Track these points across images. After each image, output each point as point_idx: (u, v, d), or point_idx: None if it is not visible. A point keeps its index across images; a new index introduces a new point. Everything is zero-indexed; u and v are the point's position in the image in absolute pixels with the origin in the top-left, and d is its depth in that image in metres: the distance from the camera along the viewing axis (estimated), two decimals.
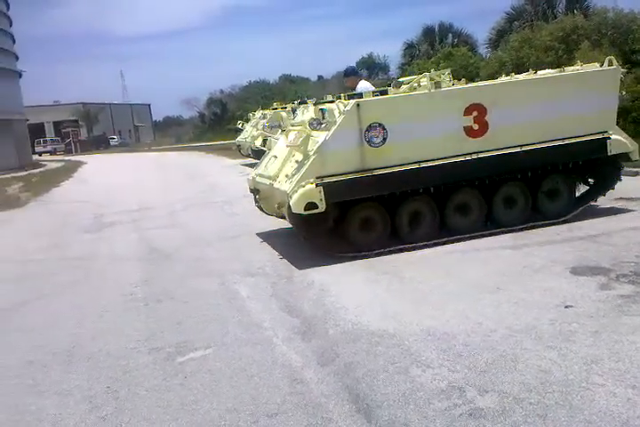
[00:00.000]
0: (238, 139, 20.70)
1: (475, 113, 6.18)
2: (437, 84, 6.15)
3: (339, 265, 5.87)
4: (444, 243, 6.16)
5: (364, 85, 7.11)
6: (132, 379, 3.66)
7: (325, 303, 4.78)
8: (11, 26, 32.26)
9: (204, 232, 8.02)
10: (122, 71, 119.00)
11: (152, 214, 10.35)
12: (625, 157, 6.78)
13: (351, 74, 7.64)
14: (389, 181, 6.00)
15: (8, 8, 32.01)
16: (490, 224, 6.58)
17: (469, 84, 6.68)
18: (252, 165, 18.98)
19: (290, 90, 53.71)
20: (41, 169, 26.69)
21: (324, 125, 5.95)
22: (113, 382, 3.64)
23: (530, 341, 3.63)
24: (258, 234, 7.65)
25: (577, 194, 7.05)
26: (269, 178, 6.58)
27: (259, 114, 19.79)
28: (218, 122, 48.49)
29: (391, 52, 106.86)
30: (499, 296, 4.49)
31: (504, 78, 7.16)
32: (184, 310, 4.96)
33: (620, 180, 6.93)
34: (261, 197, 7.12)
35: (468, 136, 6.19)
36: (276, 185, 6.33)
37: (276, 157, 6.79)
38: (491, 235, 6.34)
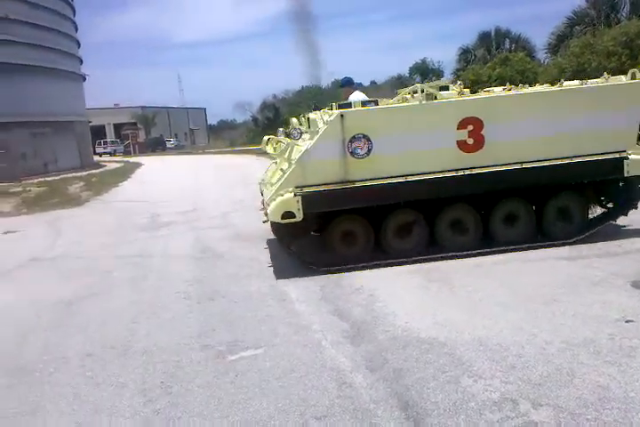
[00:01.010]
0: None
1: (470, 127, 5.89)
2: (429, 96, 5.92)
3: (387, 270, 5.85)
4: (494, 252, 6.03)
5: (356, 96, 6.90)
6: (185, 375, 3.75)
7: (374, 309, 4.77)
8: (76, 31, 33.71)
9: (257, 233, 8.13)
10: (179, 76, 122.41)
11: (206, 215, 10.58)
12: None
13: (346, 85, 7.57)
14: (373, 194, 5.88)
15: (74, 14, 33.48)
16: (490, 241, 6.26)
17: (465, 97, 6.20)
18: None
19: (341, 95, 53.81)
20: (101, 169, 27.70)
21: (305, 135, 5.98)
22: (167, 377, 3.74)
23: (587, 355, 3.51)
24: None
25: (593, 215, 6.66)
26: (266, 184, 6.61)
27: None
28: (270, 126, 49.09)
29: (446, 57, 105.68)
30: (554, 308, 4.36)
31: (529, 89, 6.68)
32: (235, 309, 5.05)
33: (637, 205, 6.43)
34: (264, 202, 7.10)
35: (462, 151, 5.93)
36: (265, 192, 6.38)
37: (276, 163, 6.83)
38: (539, 247, 6.15)
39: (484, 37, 33.26)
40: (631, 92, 6.11)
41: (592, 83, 6.31)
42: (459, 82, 7.24)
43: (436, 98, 5.93)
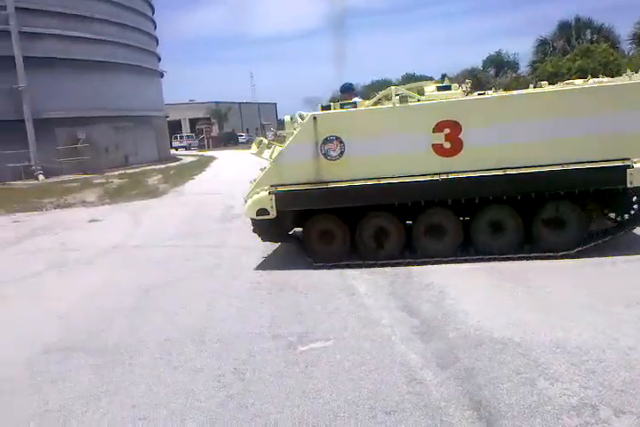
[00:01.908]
0: None
1: (446, 130, 5.66)
2: (403, 99, 5.78)
3: (459, 267, 5.75)
4: (578, 254, 5.77)
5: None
6: (257, 363, 3.85)
7: (445, 306, 4.70)
8: (155, 29, 35.08)
9: None
10: (251, 72, 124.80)
11: None
12: None
13: (346, 90, 7.56)
14: (345, 195, 5.88)
15: (153, 12, 34.83)
16: (471, 249, 5.99)
17: (443, 100, 5.86)
18: None
19: (412, 89, 53.05)
20: (177, 162, 28.74)
21: (281, 136, 5.92)
22: (239, 363, 3.85)
23: None
24: None
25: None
26: (251, 183, 6.55)
27: None
28: None
29: (521, 48, 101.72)
30: (638, 312, 4.14)
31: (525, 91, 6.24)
32: (305, 301, 5.12)
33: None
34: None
35: (438, 154, 5.71)
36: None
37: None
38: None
39: (564, 28, 31.82)
40: (637, 93, 5.50)
41: (596, 82, 5.86)
42: (467, 80, 6.94)
43: (419, 100, 5.89)
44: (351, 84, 7.45)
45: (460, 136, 5.67)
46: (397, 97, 5.81)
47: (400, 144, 5.79)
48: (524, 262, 5.71)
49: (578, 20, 31.57)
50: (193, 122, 59.49)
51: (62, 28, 23.45)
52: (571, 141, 5.50)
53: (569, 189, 5.67)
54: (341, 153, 5.88)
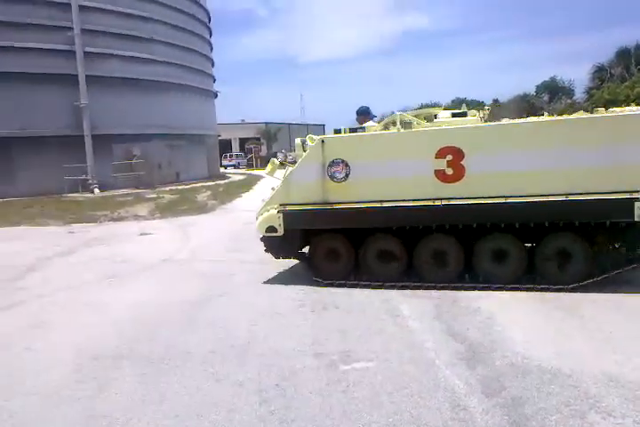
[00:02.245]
0: None
1: (449, 156, 5.70)
2: (407, 125, 5.94)
3: (508, 294, 5.62)
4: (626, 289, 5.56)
5: (368, 124, 6.94)
6: (299, 380, 3.85)
7: (492, 333, 4.59)
8: (211, 51, 36.26)
9: None
10: (301, 94, 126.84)
11: None
12: None
13: (362, 114, 7.55)
14: (348, 217, 6.09)
15: (210, 35, 36.06)
16: (471, 277, 5.95)
17: (446, 126, 5.94)
18: None
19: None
20: (226, 180, 29.31)
21: (289, 158, 6.37)
22: (281, 380, 3.86)
23: None
24: None
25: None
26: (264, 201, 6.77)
27: None
28: None
29: (576, 75, 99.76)
30: None
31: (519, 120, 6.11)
32: (348, 320, 5.10)
33: None
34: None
35: (440, 180, 5.76)
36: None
37: None
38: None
39: (623, 54, 31.15)
40: None
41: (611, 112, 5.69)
42: (487, 107, 6.78)
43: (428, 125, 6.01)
44: (367, 107, 7.57)
45: (462, 162, 5.71)
46: (400, 122, 5.97)
47: (403, 169, 5.91)
48: (577, 292, 5.54)
49: (638, 46, 30.88)
50: (243, 141, 60.72)
51: (123, 49, 24.55)
52: (575, 171, 5.40)
53: (572, 221, 5.52)
54: (347, 176, 6.08)
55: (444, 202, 5.77)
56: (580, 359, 3.88)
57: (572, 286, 5.61)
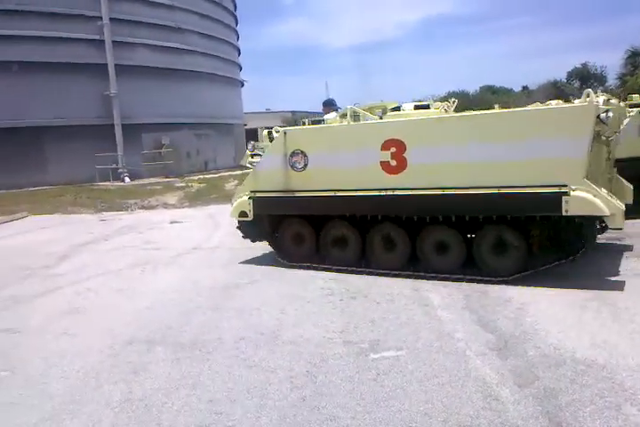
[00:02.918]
0: None
1: (393, 149, 5.89)
2: (356, 118, 6.33)
3: (539, 285, 5.55)
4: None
5: (332, 116, 7.26)
6: (329, 367, 3.88)
7: (523, 323, 4.55)
8: (238, 40, 36.28)
9: None
10: (327, 82, 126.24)
11: None
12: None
13: (327, 105, 7.84)
14: (307, 204, 6.53)
15: (237, 24, 36.06)
16: (415, 265, 6.15)
17: (390, 120, 6.24)
18: None
19: (490, 100, 51.91)
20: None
21: (257, 149, 7.12)
22: (312, 367, 3.89)
23: None
24: None
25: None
26: None
27: None
28: None
29: (608, 61, 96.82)
30: None
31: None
32: (376, 309, 5.11)
33: (586, 248, 5.45)
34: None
35: (385, 171, 5.96)
36: None
37: None
38: None
39: None
40: (577, 117, 5.14)
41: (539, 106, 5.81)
42: (452, 100, 6.93)
43: (381, 118, 6.36)
44: (332, 99, 8.03)
45: (404, 155, 5.87)
46: (350, 116, 6.39)
47: (353, 160, 6.18)
48: (612, 282, 5.45)
49: None
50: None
51: (152, 39, 24.74)
52: (506, 165, 5.40)
53: (504, 214, 5.55)
54: (305, 165, 6.49)
55: (389, 192, 5.98)
56: (615, 351, 3.82)
57: (511, 277, 5.64)
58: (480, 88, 58.39)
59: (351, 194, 6.20)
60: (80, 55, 22.24)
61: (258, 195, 6.84)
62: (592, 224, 5.33)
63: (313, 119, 6.82)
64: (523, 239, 5.66)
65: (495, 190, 5.42)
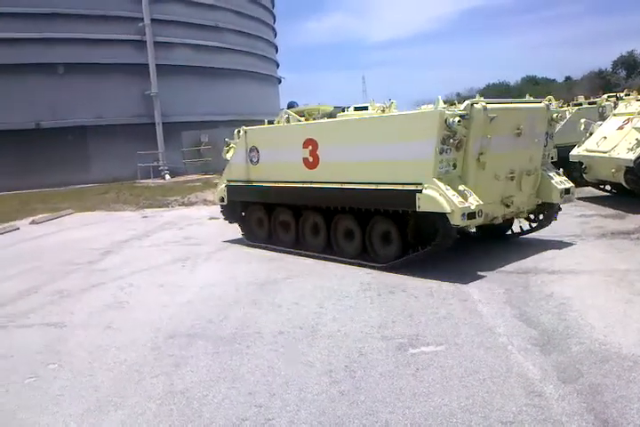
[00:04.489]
0: None
1: (310, 147, 6.90)
2: (287, 119, 7.53)
3: (583, 279, 5.40)
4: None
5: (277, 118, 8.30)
6: (367, 362, 3.86)
7: (567, 318, 4.44)
8: (275, 37, 36.40)
9: None
10: (364, 76, 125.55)
11: None
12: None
13: (291, 107, 8.80)
14: (259, 193, 7.88)
15: (274, 21, 36.18)
16: (334, 250, 7.00)
17: (310, 122, 7.41)
18: None
19: (532, 91, 50.75)
20: None
21: (231, 144, 8.41)
22: (350, 361, 3.89)
23: None
24: (506, 238, 7.43)
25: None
26: None
27: None
28: None
29: None
30: None
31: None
32: (415, 304, 5.06)
33: (441, 244, 5.81)
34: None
35: (306, 167, 7.00)
36: None
37: None
38: None
39: None
40: (426, 122, 5.75)
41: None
42: (391, 100, 7.34)
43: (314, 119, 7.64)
44: (293, 102, 9.07)
45: (317, 152, 6.85)
46: (285, 117, 7.59)
47: (284, 156, 7.33)
48: None
49: None
50: None
51: (191, 38, 25.08)
52: (379, 164, 6.15)
53: (381, 208, 6.27)
54: (258, 160, 7.80)
55: (307, 185, 6.98)
56: None
57: (388, 264, 6.29)
58: (521, 79, 57.17)
59: (285, 185, 7.35)
60: (121, 56, 22.74)
61: (230, 184, 8.31)
62: (444, 219, 5.62)
63: (269, 120, 8.25)
64: (398, 230, 6.27)
65: (374, 186, 6.16)
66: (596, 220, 8.62)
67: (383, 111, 7.02)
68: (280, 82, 36.42)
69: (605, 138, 9.72)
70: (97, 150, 22.49)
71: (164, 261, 7.62)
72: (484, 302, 4.99)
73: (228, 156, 8.47)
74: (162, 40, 23.76)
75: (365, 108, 7.09)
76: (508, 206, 6.39)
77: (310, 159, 6.91)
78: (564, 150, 10.71)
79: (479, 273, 5.90)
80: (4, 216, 13.11)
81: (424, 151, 5.70)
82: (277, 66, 36.40)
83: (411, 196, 5.76)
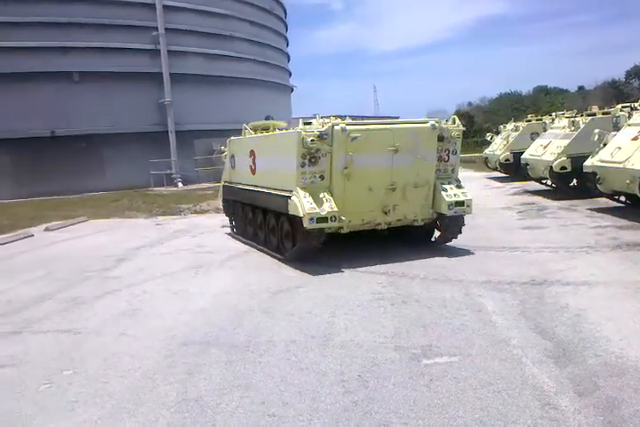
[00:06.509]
0: (486, 151, 20.39)
1: (252, 157, 8.49)
2: (244, 133, 9.31)
3: (598, 290, 5.36)
4: None
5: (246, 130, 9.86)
6: (381, 372, 3.85)
7: (583, 330, 4.40)
8: (287, 46, 36.64)
9: (458, 241, 8.01)
10: (375, 86, 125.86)
11: None
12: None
13: (267, 119, 10.43)
14: (234, 193, 9.66)
15: (286, 30, 36.43)
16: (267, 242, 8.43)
17: (255, 135, 9.02)
18: (498, 179, 18.43)
19: (544, 101, 50.56)
20: None
21: (224, 153, 10.48)
22: (363, 371, 3.88)
23: None
24: (509, 248, 7.39)
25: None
26: None
27: (510, 126, 19.16)
28: (463, 134, 47.98)
29: None
30: None
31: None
32: (428, 314, 5.04)
33: (303, 242, 7.00)
34: None
35: (251, 173, 8.62)
36: None
37: None
38: None
39: None
40: (288, 141, 7.16)
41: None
42: (332, 116, 8.22)
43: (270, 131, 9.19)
44: (269, 116, 10.89)
45: (256, 161, 8.40)
46: (246, 131, 9.29)
47: (241, 163, 9.13)
48: None
49: None
50: None
51: (205, 47, 25.32)
52: (272, 174, 7.80)
53: (275, 210, 7.73)
54: (234, 165, 9.64)
55: (251, 188, 8.60)
56: None
57: (284, 257, 7.61)
58: (533, 89, 57.01)
59: (244, 187, 8.95)
60: (135, 65, 22.99)
61: (224, 184, 10.20)
62: (301, 221, 6.75)
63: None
64: (292, 228, 7.33)
65: (273, 191, 7.60)
66: (610, 231, 8.55)
67: (323, 125, 7.24)
68: (292, 90, 36.60)
69: (620, 148, 9.66)
70: (111, 158, 22.68)
71: (177, 268, 7.66)
72: (498, 313, 4.96)
73: (224, 160, 10.33)
74: (176, 49, 24.01)
75: (310, 123, 7.16)
76: (386, 214, 7.29)
77: (253, 167, 8.53)
78: (577, 161, 10.90)
79: (493, 284, 5.87)
80: (19, 223, 13.25)
81: (289, 165, 7.01)
82: (290, 74, 36.61)
83: (285, 201, 7.08)
